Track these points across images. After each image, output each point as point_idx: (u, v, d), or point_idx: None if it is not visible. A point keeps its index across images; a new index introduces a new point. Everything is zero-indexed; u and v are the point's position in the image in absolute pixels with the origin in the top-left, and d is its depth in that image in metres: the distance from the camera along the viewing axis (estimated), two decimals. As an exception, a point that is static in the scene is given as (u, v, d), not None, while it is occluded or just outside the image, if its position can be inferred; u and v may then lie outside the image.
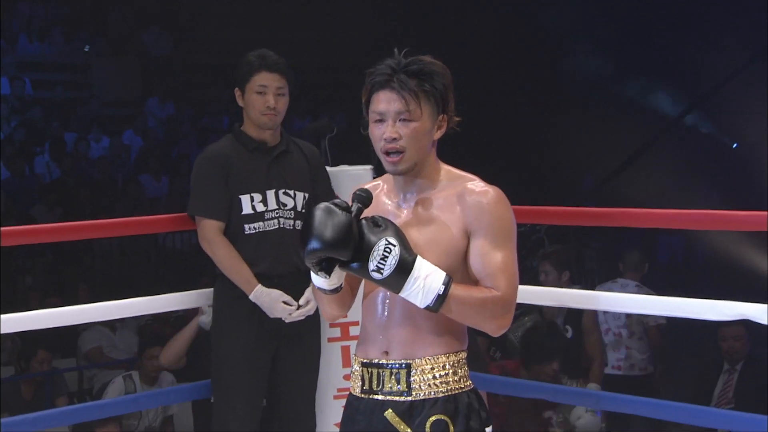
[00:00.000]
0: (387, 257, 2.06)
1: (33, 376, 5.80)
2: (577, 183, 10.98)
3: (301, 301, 3.31)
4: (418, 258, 2.08)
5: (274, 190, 3.35)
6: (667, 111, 11.67)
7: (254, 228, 3.32)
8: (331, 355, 3.50)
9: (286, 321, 3.29)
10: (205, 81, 12.24)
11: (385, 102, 2.17)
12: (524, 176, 9.98)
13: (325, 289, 2.18)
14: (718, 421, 3.11)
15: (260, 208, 3.33)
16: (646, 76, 11.65)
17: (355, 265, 2.08)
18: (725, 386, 5.15)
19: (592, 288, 5.75)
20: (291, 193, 3.37)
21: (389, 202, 2.25)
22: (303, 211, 3.37)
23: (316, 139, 3.69)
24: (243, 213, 3.32)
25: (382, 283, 2.09)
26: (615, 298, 3.08)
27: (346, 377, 3.52)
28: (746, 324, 4.53)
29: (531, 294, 3.27)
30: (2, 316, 3.10)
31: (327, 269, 2.10)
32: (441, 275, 2.09)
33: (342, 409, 3.45)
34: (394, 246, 2.06)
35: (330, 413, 3.51)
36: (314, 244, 2.05)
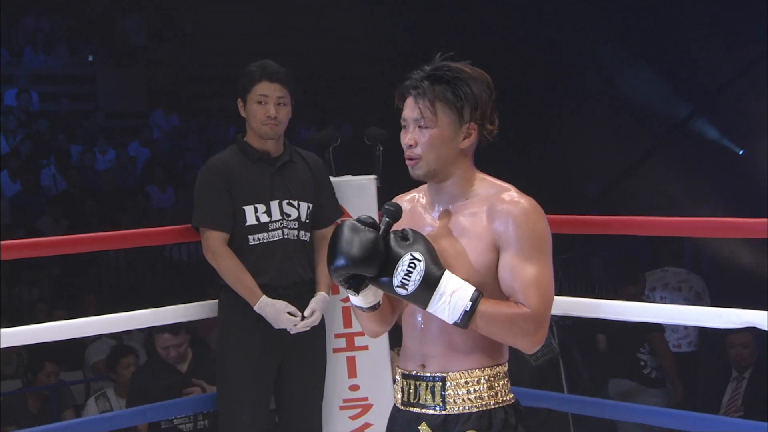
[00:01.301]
0: (411, 272, 2.03)
1: (39, 389, 5.80)
2: (582, 191, 10.97)
3: (306, 312, 3.30)
4: (446, 273, 2.05)
5: (278, 201, 3.35)
6: (674, 117, 11.65)
7: (258, 239, 3.31)
8: (336, 366, 3.49)
9: (291, 332, 3.28)
10: (210, 92, 12.26)
11: (407, 109, 2.17)
12: (529, 184, 9.95)
13: (362, 307, 2.17)
14: (727, 430, 3.10)
15: (264, 218, 3.32)
16: (651, 79, 11.62)
17: (383, 280, 2.06)
18: (734, 394, 5.13)
19: (600, 296, 5.73)
20: (295, 203, 3.37)
21: (424, 213, 2.22)
22: (307, 221, 3.37)
23: (321, 148, 3.69)
24: (247, 224, 3.31)
25: (408, 298, 2.06)
26: (619, 306, 3.06)
27: (352, 388, 3.51)
28: (754, 331, 4.53)
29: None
30: (7, 329, 3.10)
31: (355, 286, 2.09)
32: (469, 291, 2.05)
33: (348, 419, 3.48)
34: (419, 261, 2.04)
35: (336, 424, 3.50)
36: (339, 262, 2.05)
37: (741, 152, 10.95)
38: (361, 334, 3.47)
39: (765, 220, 2.78)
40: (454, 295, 2.04)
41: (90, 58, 12.38)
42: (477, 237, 2.12)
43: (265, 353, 3.30)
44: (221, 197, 3.30)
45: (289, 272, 3.30)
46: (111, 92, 12.02)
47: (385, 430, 2.28)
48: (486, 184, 2.19)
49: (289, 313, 3.26)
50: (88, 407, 5.14)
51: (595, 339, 5.81)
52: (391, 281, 2.05)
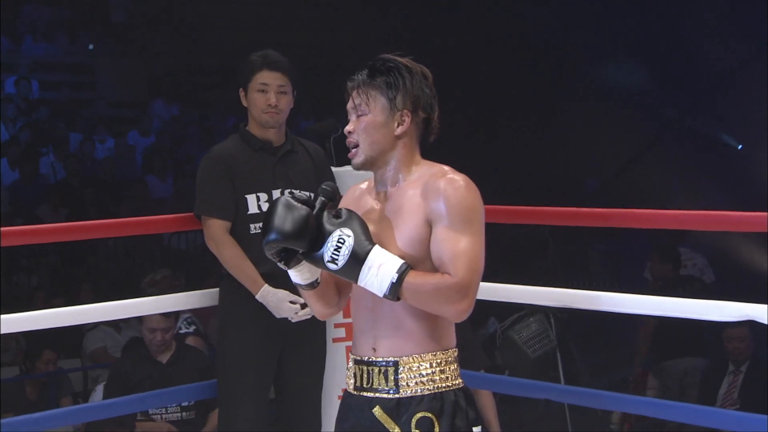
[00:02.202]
0: (341, 248, 2.12)
1: (37, 376, 5.81)
2: (580, 184, 10.98)
3: (298, 305, 3.29)
4: (375, 248, 2.13)
5: (279, 190, 3.35)
6: (672, 111, 11.65)
7: (260, 227, 3.31)
8: (335, 356, 3.50)
9: (293, 321, 3.29)
10: (210, 82, 12.26)
11: (348, 102, 2.28)
12: (527, 177, 9.98)
13: (300, 284, 2.26)
14: (721, 421, 3.11)
15: (266, 207, 3.32)
16: (649, 73, 11.62)
17: (315, 255, 2.15)
18: (730, 387, 5.15)
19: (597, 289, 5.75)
20: (297, 192, 3.37)
21: (370, 199, 2.31)
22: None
23: (321, 139, 3.70)
24: (249, 212, 3.32)
25: (339, 273, 2.15)
26: (618, 298, 3.07)
27: (351, 378, 3.52)
28: (750, 325, 4.54)
29: (532, 294, 3.27)
30: (5, 316, 3.10)
31: (287, 260, 2.18)
32: (396, 263, 2.13)
33: (346, 409, 3.47)
34: (349, 236, 2.12)
35: (334, 414, 3.46)
36: (271, 236, 2.15)
37: (740, 147, 10.96)
38: (360, 324, 3.47)
39: (764, 213, 2.79)
40: (381, 268, 2.12)
41: (90, 47, 12.37)
42: (411, 214, 2.20)
43: (266, 343, 3.31)
44: (223, 186, 3.31)
45: None
46: (111, 81, 12.01)
47: (337, 415, 2.32)
48: (425, 168, 2.27)
49: (290, 302, 3.26)
50: (96, 394, 5.14)
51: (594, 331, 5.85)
52: (322, 256, 2.13)
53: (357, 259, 2.12)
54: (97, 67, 12.21)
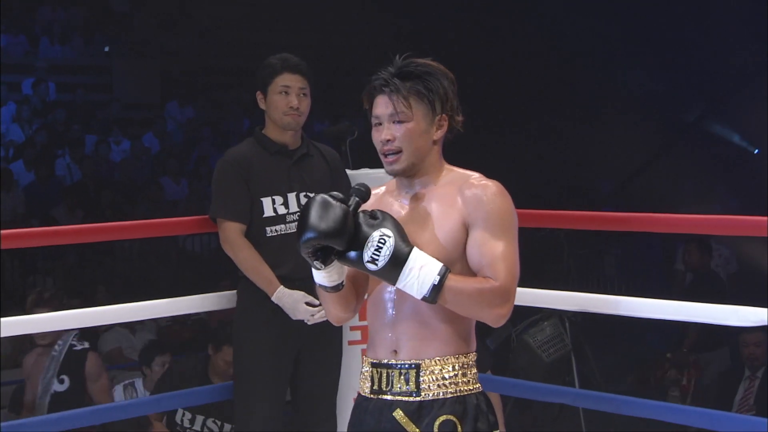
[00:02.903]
0: (382, 248, 2.09)
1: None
2: (595, 187, 10.95)
3: (315, 304, 3.29)
4: (414, 249, 2.11)
5: (295, 193, 3.36)
6: (688, 115, 11.62)
7: (276, 231, 3.32)
8: (351, 359, 3.50)
9: (309, 323, 3.28)
10: (224, 84, 12.29)
11: (380, 106, 2.23)
12: (542, 181, 9.97)
13: (326, 286, 2.23)
14: (738, 426, 3.10)
15: (282, 210, 3.33)
16: (666, 77, 11.59)
17: (351, 255, 2.12)
18: (746, 393, 5.13)
19: (612, 293, 5.76)
20: (312, 195, 3.37)
21: (393, 201, 2.29)
22: None
23: (337, 142, 3.70)
24: (264, 216, 3.32)
25: (378, 273, 2.12)
26: (636, 303, 3.06)
27: (366, 380, 3.51)
28: (766, 330, 4.52)
29: (551, 298, 3.26)
30: (21, 317, 3.11)
31: (323, 259, 2.15)
32: (437, 265, 2.11)
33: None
34: (389, 237, 2.10)
35: (349, 416, 3.51)
36: (309, 234, 2.11)
37: (756, 151, 10.92)
38: (375, 327, 3.47)
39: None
40: (422, 269, 2.10)
41: (106, 49, 12.42)
42: (446, 217, 2.19)
43: (283, 345, 3.31)
44: (239, 189, 3.31)
45: (306, 264, 3.30)
46: (126, 83, 12.06)
47: (350, 419, 2.31)
48: (454, 172, 2.27)
49: (307, 303, 3.26)
50: (115, 394, 5.16)
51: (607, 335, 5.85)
52: (361, 256, 2.10)
53: (398, 261, 2.09)
54: (112, 69, 12.25)
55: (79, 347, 4.88)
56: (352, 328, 3.50)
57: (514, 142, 11.05)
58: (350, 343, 3.49)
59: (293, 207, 3.34)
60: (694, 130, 11.54)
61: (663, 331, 6.24)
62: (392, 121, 2.21)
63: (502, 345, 5.78)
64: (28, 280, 7.80)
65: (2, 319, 2.98)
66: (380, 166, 3.57)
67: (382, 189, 2.36)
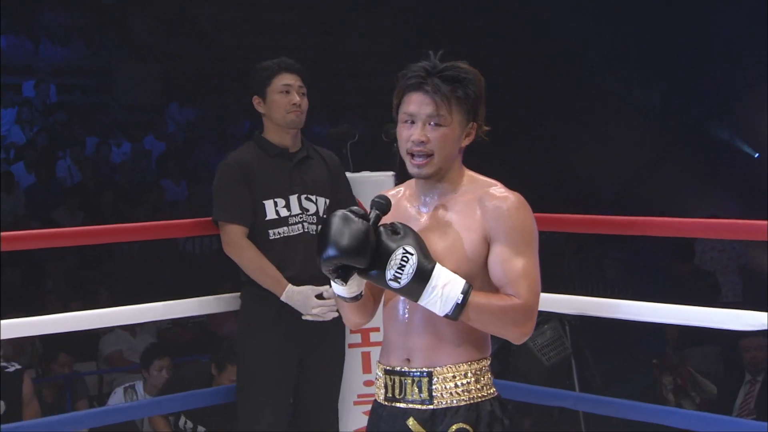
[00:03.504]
0: (404, 266, 2.05)
1: (53, 379, 5.83)
2: (596, 192, 10.96)
3: (326, 294, 3.29)
4: (437, 266, 2.07)
5: (296, 195, 3.36)
6: (689, 119, 11.62)
7: (279, 233, 3.32)
8: (351, 361, 3.50)
9: (326, 318, 3.26)
10: (225, 86, 12.28)
11: (416, 104, 2.16)
12: (543, 185, 9.96)
13: (345, 297, 2.18)
14: (739, 430, 3.10)
15: (284, 213, 3.33)
16: (666, 82, 11.60)
17: (373, 273, 2.07)
18: (746, 397, 5.12)
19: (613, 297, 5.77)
20: (313, 198, 3.38)
21: (410, 207, 2.24)
22: (324, 216, 3.37)
23: (338, 144, 3.70)
24: (267, 218, 3.32)
25: (400, 291, 2.08)
26: (636, 306, 3.06)
27: (367, 383, 3.52)
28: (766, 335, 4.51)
29: (551, 302, 3.27)
30: (22, 320, 3.11)
31: (343, 276, 2.10)
32: (460, 283, 2.08)
33: (362, 414, 3.48)
34: (412, 254, 2.05)
35: (350, 419, 3.51)
36: (330, 252, 2.05)
37: (757, 155, 10.92)
38: (376, 329, 3.47)
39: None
40: (446, 287, 2.07)
41: (105, 53, 12.43)
42: (467, 230, 2.15)
43: (287, 348, 3.30)
44: (240, 192, 3.31)
45: (311, 265, 3.29)
46: (127, 85, 12.05)
47: (366, 425, 2.28)
48: (474, 180, 2.22)
49: (317, 296, 3.25)
50: (115, 396, 5.16)
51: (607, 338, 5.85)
52: (382, 274, 2.06)
53: (421, 278, 2.05)
54: (113, 72, 12.26)
55: (11, 369, 4.71)
56: (353, 331, 3.50)
57: (515, 147, 11.05)
58: (350, 345, 3.50)
59: (295, 209, 3.35)
60: (695, 135, 11.54)
61: (664, 334, 6.23)
62: (429, 123, 2.15)
63: (502, 348, 5.78)
64: (29, 282, 7.80)
65: (3, 321, 2.98)
66: (380, 169, 3.61)
67: (400, 190, 2.30)
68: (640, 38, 11.55)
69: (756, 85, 10.51)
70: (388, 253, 2.06)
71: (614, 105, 11.35)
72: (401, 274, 2.05)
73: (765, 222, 2.82)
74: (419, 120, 2.16)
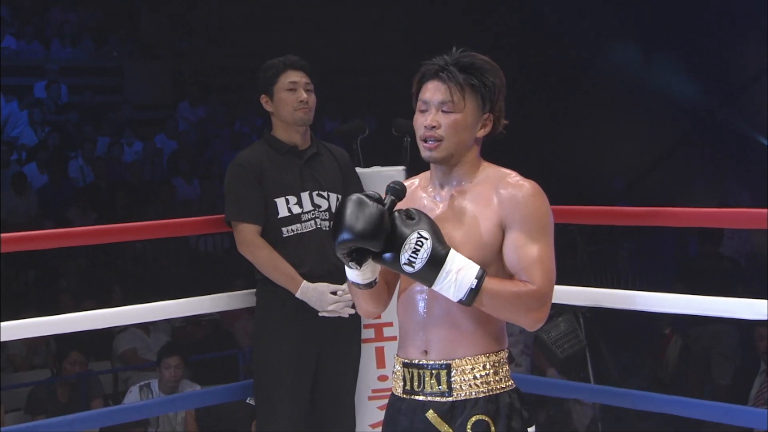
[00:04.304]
0: (419, 250, 2.05)
1: (68, 378, 5.85)
2: (608, 184, 10.93)
3: (340, 291, 3.29)
4: (452, 251, 2.08)
5: (308, 192, 3.36)
6: (701, 109, 11.58)
7: (292, 230, 3.32)
8: (365, 357, 3.49)
9: (344, 315, 3.26)
10: (236, 84, 12.29)
11: (430, 91, 2.19)
12: (554, 177, 9.94)
13: (359, 284, 2.19)
14: (754, 421, 3.08)
15: (296, 210, 3.33)
16: (678, 73, 11.56)
17: (387, 256, 2.08)
18: (762, 387, 5.10)
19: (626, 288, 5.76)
20: (324, 194, 3.38)
21: (425, 196, 2.26)
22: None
23: (348, 140, 3.70)
24: (279, 216, 3.31)
25: (414, 276, 2.09)
26: (652, 297, 3.05)
27: (381, 378, 3.51)
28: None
29: (565, 294, 3.26)
30: (35, 320, 3.12)
31: (358, 260, 2.11)
32: (474, 269, 2.08)
33: (377, 410, 3.47)
34: (426, 239, 2.06)
35: (365, 414, 3.51)
36: (345, 235, 2.06)
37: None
38: (389, 324, 3.47)
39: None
40: (460, 272, 2.07)
41: (115, 54, 12.45)
42: (482, 217, 2.16)
43: (304, 345, 3.30)
44: (252, 191, 3.31)
45: (325, 261, 3.30)
46: (137, 84, 12.07)
47: (384, 419, 2.28)
48: (490, 169, 2.23)
49: (332, 293, 3.25)
50: (131, 395, 5.17)
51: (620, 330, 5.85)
52: (397, 258, 2.07)
53: (436, 263, 2.06)
54: (123, 71, 12.28)
55: None
56: (366, 326, 3.49)
57: (527, 140, 11.03)
58: (364, 341, 3.49)
59: (307, 206, 3.34)
60: (707, 125, 11.50)
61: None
62: (441, 109, 2.18)
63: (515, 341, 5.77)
64: (41, 281, 7.83)
65: (18, 321, 2.99)
66: (391, 163, 3.60)
67: (415, 181, 2.32)
68: (655, 28, 11.51)
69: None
70: (402, 238, 2.06)
71: (625, 96, 11.30)
72: (415, 258, 2.06)
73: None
74: (432, 106, 2.19)
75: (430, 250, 2.06)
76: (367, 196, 2.09)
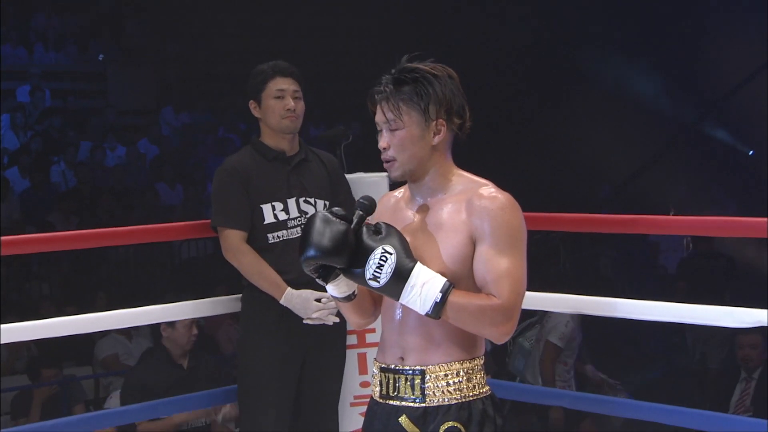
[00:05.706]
0: (383, 265, 2.08)
1: (49, 384, 5.82)
2: (593, 191, 10.96)
3: (323, 299, 3.28)
4: (417, 265, 2.10)
5: (294, 198, 3.35)
6: (685, 118, 11.64)
7: (278, 236, 3.32)
8: (348, 363, 3.49)
9: (328, 323, 3.26)
10: (220, 89, 12.28)
11: (378, 114, 2.24)
12: (540, 184, 9.97)
13: (337, 297, 2.22)
14: (736, 428, 3.09)
15: (282, 216, 3.33)
16: (662, 80, 11.61)
17: (354, 272, 2.11)
18: (742, 394, 5.12)
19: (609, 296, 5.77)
20: (312, 201, 3.38)
21: (405, 208, 2.27)
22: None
23: (332, 146, 3.70)
24: (265, 222, 3.31)
25: (380, 290, 2.11)
26: (632, 305, 3.06)
27: (363, 384, 3.51)
28: (763, 331, 4.52)
29: (547, 301, 3.26)
30: (17, 324, 3.10)
31: (324, 276, 2.15)
32: (439, 283, 2.10)
33: (359, 416, 3.47)
34: (391, 254, 2.09)
35: (347, 420, 3.51)
36: (310, 252, 2.10)
37: (751, 153, 10.94)
38: (372, 331, 3.47)
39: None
40: (425, 286, 2.09)
41: (100, 57, 12.41)
42: (454, 230, 2.16)
43: (289, 350, 3.30)
44: (238, 197, 3.30)
45: None
46: (121, 89, 12.04)
47: (363, 422, 2.30)
48: (464, 179, 2.23)
49: (316, 300, 3.25)
50: (112, 400, 5.14)
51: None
52: (363, 273, 2.10)
53: (400, 277, 2.08)
54: (107, 76, 12.24)
55: None
56: (349, 333, 3.49)
57: (510, 145, 11.06)
58: (348, 347, 3.48)
59: (294, 212, 3.34)
60: (690, 133, 11.55)
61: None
62: (388, 129, 2.21)
63: (498, 348, 5.77)
64: (24, 287, 7.79)
65: (1, 326, 2.97)
66: (375, 170, 3.60)
67: (401, 192, 2.34)
68: (637, 35, 11.56)
69: (751, 83, 10.54)
70: (368, 253, 2.10)
71: (609, 103, 11.35)
72: (380, 273, 2.09)
73: (764, 219, 2.82)
74: (382, 128, 2.23)
75: (394, 264, 2.08)
76: (332, 213, 2.12)
